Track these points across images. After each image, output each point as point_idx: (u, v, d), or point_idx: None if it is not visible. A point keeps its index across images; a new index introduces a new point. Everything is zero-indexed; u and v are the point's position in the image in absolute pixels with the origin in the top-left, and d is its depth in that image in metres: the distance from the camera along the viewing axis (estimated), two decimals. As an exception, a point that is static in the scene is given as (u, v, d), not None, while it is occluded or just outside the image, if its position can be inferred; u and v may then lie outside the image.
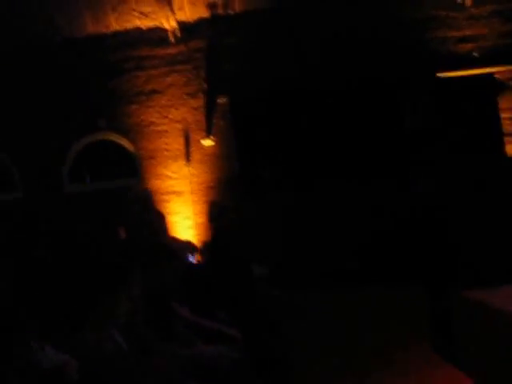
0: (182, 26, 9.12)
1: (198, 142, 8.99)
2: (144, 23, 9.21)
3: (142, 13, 9.07)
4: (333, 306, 6.86)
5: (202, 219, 8.84)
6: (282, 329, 4.92)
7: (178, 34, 9.15)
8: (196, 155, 9.00)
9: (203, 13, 9.10)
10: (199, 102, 9.03)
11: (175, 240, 8.44)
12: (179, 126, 9.01)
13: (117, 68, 9.20)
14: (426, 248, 5.73)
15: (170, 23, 9.06)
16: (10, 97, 9.29)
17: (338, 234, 8.67)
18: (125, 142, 9.20)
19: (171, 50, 9.18)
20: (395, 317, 6.16)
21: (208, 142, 8.93)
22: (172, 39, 9.14)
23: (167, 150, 9.01)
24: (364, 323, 6.34)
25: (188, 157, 8.96)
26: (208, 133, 8.97)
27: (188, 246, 8.03)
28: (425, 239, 5.76)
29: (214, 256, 5.64)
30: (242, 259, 5.71)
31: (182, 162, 8.97)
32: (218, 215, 8.65)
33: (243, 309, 4.85)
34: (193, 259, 7.99)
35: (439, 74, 8.91)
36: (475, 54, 8.86)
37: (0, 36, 9.24)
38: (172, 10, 8.95)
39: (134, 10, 9.06)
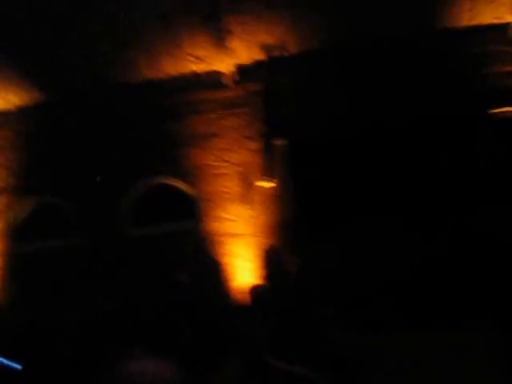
0: (238, 68, 9.93)
1: (257, 184, 9.79)
2: (200, 67, 10.05)
3: (197, 57, 9.91)
4: (407, 349, 7.46)
5: (261, 262, 9.61)
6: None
7: (235, 77, 9.98)
8: (255, 197, 9.76)
9: (259, 55, 9.89)
10: (257, 144, 9.80)
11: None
12: (238, 168, 9.78)
13: (174, 112, 10.01)
14: (493, 278, 6.32)
15: (225, 66, 9.89)
16: (70, 142, 10.27)
17: (398, 272, 9.33)
18: (183, 186, 9.99)
19: (228, 94, 9.99)
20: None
21: (266, 184, 9.68)
22: (228, 82, 9.98)
23: (226, 193, 9.78)
24: (438, 365, 6.90)
25: (247, 199, 9.75)
26: (266, 175, 9.74)
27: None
28: (492, 269, 6.35)
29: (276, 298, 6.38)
30: (304, 301, 6.45)
31: (241, 205, 9.76)
32: (276, 257, 9.42)
33: (313, 352, 5.53)
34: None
35: (495, 110, 9.58)
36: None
37: (57, 82, 10.28)
38: (227, 54, 9.83)
39: (189, 54, 9.89)
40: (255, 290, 7.71)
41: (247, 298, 8.52)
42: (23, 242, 10.24)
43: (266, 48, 9.60)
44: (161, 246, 9.49)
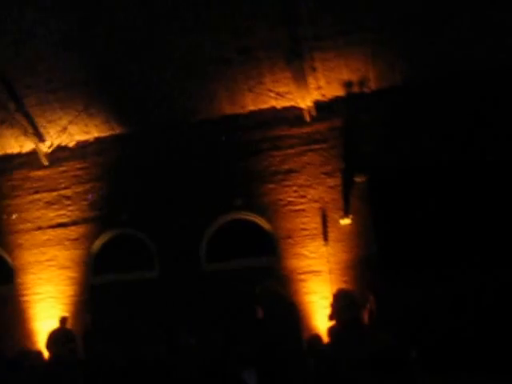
0: (318, 104, 10.86)
1: (335, 220, 10.56)
2: (279, 103, 11.00)
3: (278, 93, 10.90)
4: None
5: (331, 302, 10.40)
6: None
7: (314, 113, 10.89)
8: (333, 234, 10.58)
9: (339, 91, 10.74)
10: (336, 180, 10.65)
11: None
12: (316, 205, 10.65)
13: (253, 147, 10.99)
14: None
15: (305, 102, 10.79)
16: (150, 175, 11.41)
17: (483, 313, 9.95)
18: (261, 221, 10.93)
19: (307, 129, 10.89)
20: None
21: (345, 221, 10.54)
22: (308, 118, 10.89)
23: (304, 229, 10.65)
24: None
25: (325, 236, 10.58)
26: (345, 211, 10.57)
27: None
28: None
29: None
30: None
31: (319, 241, 10.55)
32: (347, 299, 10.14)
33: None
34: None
35: None
36: None
37: (138, 116, 11.44)
38: (308, 90, 10.76)
39: (270, 90, 10.88)
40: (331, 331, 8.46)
41: (325, 337, 9.31)
42: (100, 272, 11.38)
43: (346, 84, 10.49)
44: (237, 281, 10.42)
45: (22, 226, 11.75)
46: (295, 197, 10.28)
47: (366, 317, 9.30)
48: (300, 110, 10.44)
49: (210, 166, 10.58)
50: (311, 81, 10.19)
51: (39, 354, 9.14)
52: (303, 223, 10.18)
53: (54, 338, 10.49)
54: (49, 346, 10.55)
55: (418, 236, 10.12)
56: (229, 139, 10.61)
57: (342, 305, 9.44)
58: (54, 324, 10.74)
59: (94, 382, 6.25)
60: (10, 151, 11.94)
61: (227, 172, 10.53)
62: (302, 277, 10.12)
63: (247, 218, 10.55)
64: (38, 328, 11.42)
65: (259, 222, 10.45)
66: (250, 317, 9.51)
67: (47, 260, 11.54)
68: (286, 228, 10.23)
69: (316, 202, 10.19)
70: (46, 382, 6.46)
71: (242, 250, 10.49)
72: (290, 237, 10.19)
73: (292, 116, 10.50)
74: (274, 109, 10.58)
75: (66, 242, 11.39)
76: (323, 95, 10.39)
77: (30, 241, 11.69)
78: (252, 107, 10.62)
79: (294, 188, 10.28)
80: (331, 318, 9.43)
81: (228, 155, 10.57)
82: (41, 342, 10.90)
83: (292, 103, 10.47)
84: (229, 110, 10.67)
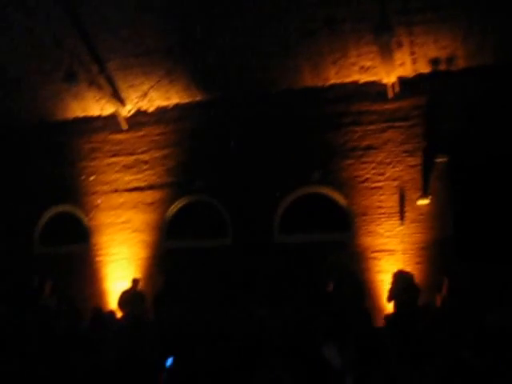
0: (402, 81, 11.89)
1: (413, 200, 11.64)
2: (362, 77, 12.08)
3: (362, 67, 11.97)
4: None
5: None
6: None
7: (397, 90, 11.95)
8: (409, 214, 11.69)
9: (425, 68, 11.74)
10: (416, 160, 11.69)
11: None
12: (394, 183, 11.76)
13: (333, 122, 12.15)
14: None
15: (389, 78, 11.81)
16: (225, 146, 12.72)
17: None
18: (337, 197, 12.20)
19: (389, 106, 11.92)
20: None
21: (423, 202, 11.65)
22: (391, 94, 11.94)
23: (380, 208, 11.81)
24: None
25: (401, 215, 11.74)
26: (424, 192, 11.66)
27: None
28: None
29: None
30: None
31: (394, 221, 11.71)
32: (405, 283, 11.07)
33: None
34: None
35: None
36: None
37: (221, 84, 12.80)
38: (393, 65, 11.81)
39: (354, 64, 11.97)
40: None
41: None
42: (174, 237, 13.02)
43: (433, 62, 11.47)
44: (310, 254, 11.79)
45: (98, 188, 13.43)
46: (373, 174, 11.38)
47: (438, 300, 10.44)
48: (383, 85, 11.38)
49: (289, 138, 11.73)
50: (397, 56, 11.03)
51: (112, 313, 10.73)
52: (380, 201, 11.31)
53: (126, 299, 12.21)
54: (121, 306, 12.28)
55: (496, 225, 10.80)
56: (309, 112, 11.78)
57: (400, 287, 10.58)
58: (126, 285, 12.41)
59: (166, 343, 6.86)
60: (90, 113, 13.54)
61: (306, 145, 11.64)
62: (375, 255, 11.27)
63: (323, 192, 11.74)
64: (111, 288, 13.11)
65: (335, 197, 11.64)
66: (321, 290, 10.83)
67: (122, 222, 13.20)
68: (361, 205, 11.39)
69: (394, 180, 11.27)
70: (119, 340, 7.66)
71: (315, 224, 11.75)
72: (365, 214, 11.35)
73: (375, 91, 11.48)
74: (356, 83, 11.60)
75: (142, 206, 12.99)
76: (408, 72, 11.27)
77: (106, 203, 13.36)
78: (335, 80, 11.70)
79: (373, 165, 11.38)
80: (389, 299, 10.68)
81: (307, 128, 11.66)
82: (112, 302, 12.61)
83: (376, 78, 11.44)
84: (311, 82, 11.79)
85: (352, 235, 11.17)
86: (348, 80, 11.42)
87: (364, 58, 11.10)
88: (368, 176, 11.14)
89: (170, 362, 4.93)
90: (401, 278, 9.96)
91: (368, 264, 11.02)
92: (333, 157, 11.38)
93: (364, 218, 11.12)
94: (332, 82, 11.51)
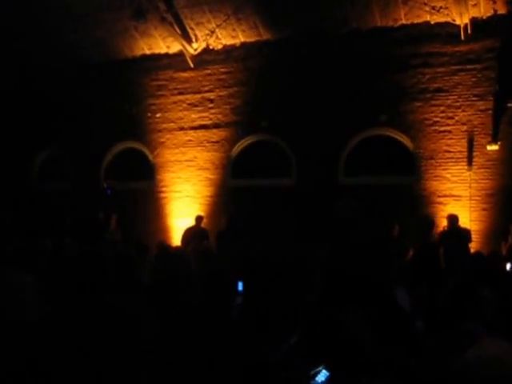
0: (475, 22, 11.78)
1: (482, 146, 11.73)
2: (434, 18, 12.03)
3: (433, 7, 11.93)
4: None
5: (478, 226, 11.85)
6: None
7: (470, 31, 11.86)
8: (478, 159, 11.79)
9: (500, 9, 11.65)
10: (487, 104, 11.69)
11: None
12: (463, 127, 11.83)
13: (402, 63, 12.15)
14: None
15: (462, 19, 11.74)
16: (292, 86, 13.00)
17: None
18: (404, 140, 12.34)
19: (461, 48, 11.85)
20: None
21: (493, 147, 11.72)
22: (463, 36, 11.83)
23: (448, 152, 11.95)
24: None
25: (470, 160, 11.85)
26: (493, 137, 11.73)
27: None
28: None
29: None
30: None
31: (462, 166, 11.84)
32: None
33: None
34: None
35: None
36: None
37: (287, 22, 12.94)
38: (466, 6, 11.73)
39: (425, 4, 11.90)
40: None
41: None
42: (238, 176, 13.46)
43: (508, 1, 11.35)
44: (374, 197, 12.06)
45: (164, 126, 13.89)
46: (442, 117, 11.48)
47: (504, 249, 10.61)
48: (455, 26, 11.32)
49: (356, 79, 11.83)
50: (471, -4, 10.99)
51: (177, 248, 11.26)
52: (448, 145, 11.45)
53: (190, 236, 12.77)
54: (184, 242, 12.87)
55: None
56: (378, 53, 11.85)
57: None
58: (190, 222, 12.97)
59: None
60: (157, 51, 13.88)
61: (373, 86, 11.74)
62: (441, 200, 11.47)
63: (390, 134, 11.94)
64: (174, 225, 13.73)
65: (402, 139, 11.82)
66: (387, 234, 11.11)
67: (187, 160, 13.69)
68: (429, 148, 11.55)
69: (463, 124, 11.36)
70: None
71: (381, 166, 11.99)
72: (432, 158, 11.51)
73: (446, 33, 11.44)
74: (427, 24, 11.57)
75: (207, 144, 13.42)
76: (481, 12, 11.17)
77: (171, 140, 13.84)
78: (405, 21, 11.70)
79: (442, 108, 11.47)
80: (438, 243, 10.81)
81: (375, 69, 11.74)
82: (176, 238, 13.21)
83: (447, 19, 11.38)
84: (380, 22, 11.83)
85: (418, 179, 11.37)
86: (418, 21, 11.42)
87: (436, -3, 10.95)
88: (436, 119, 11.24)
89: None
90: (450, 221, 10.15)
91: (434, 208, 11.24)
92: (401, 99, 11.48)
93: (431, 161, 11.28)
94: (402, 22, 11.51)
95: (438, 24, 11.24)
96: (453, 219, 9.94)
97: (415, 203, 11.28)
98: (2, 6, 12.28)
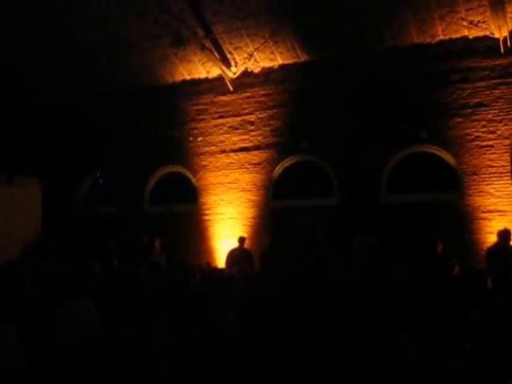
0: (515, 35, 11.84)
1: (527, 158, 11.76)
2: (472, 32, 12.05)
3: (471, 22, 12.00)
4: None
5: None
6: None
7: (509, 44, 11.84)
8: (523, 173, 11.79)
9: (541, 20, 11.73)
10: (530, 116, 11.76)
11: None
12: (506, 141, 11.66)
13: (441, 79, 12.20)
14: None
15: (501, 32, 11.72)
16: (330, 106, 13.17)
17: None
18: (446, 156, 12.32)
19: (501, 61, 11.71)
20: None
21: (538, 160, 11.66)
22: (502, 49, 11.76)
23: (491, 167, 11.86)
24: None
25: (514, 174, 11.81)
26: (538, 150, 11.70)
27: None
28: None
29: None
30: None
31: (506, 180, 11.62)
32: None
33: None
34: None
35: None
36: None
37: (325, 45, 13.18)
38: (505, 19, 11.75)
39: (463, 19, 11.99)
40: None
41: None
42: (280, 197, 13.65)
43: (549, 12, 11.31)
44: (417, 215, 12.10)
45: (206, 149, 14.23)
46: (483, 132, 11.49)
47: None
48: (494, 40, 11.35)
49: (395, 96, 11.97)
50: (509, 9, 11.04)
51: (222, 270, 11.45)
52: (490, 160, 11.42)
53: (234, 257, 12.99)
54: (229, 263, 13.08)
55: None
56: (416, 69, 11.97)
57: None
58: (233, 244, 13.19)
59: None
60: (197, 76, 14.28)
61: (413, 103, 11.86)
62: (486, 215, 11.42)
63: (431, 151, 11.99)
64: (218, 246, 13.97)
65: (443, 156, 11.85)
66: (429, 252, 11.08)
67: (229, 182, 13.96)
68: (471, 164, 11.55)
69: (506, 138, 11.32)
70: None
71: (423, 183, 12.03)
72: (475, 173, 11.50)
73: (485, 47, 11.48)
74: (465, 39, 11.64)
75: (248, 166, 13.68)
76: (521, 25, 11.19)
77: (213, 163, 14.15)
78: (442, 37, 11.79)
79: (483, 123, 11.48)
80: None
81: (414, 86, 11.86)
82: (220, 259, 13.42)
83: (486, 33, 11.43)
84: (417, 39, 11.94)
85: (461, 195, 11.38)
86: (456, 36, 11.53)
87: (473, 12, 11.18)
88: (478, 134, 11.27)
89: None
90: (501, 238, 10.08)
91: (478, 224, 11.23)
92: (441, 115, 11.56)
93: (474, 177, 11.29)
94: (439, 38, 11.62)
95: (477, 38, 11.32)
96: (505, 235, 9.91)
97: (459, 219, 11.27)
98: (49, 32, 12.82)
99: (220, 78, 13.50)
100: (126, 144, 14.79)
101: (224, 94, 13.60)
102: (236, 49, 12.85)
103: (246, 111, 13.36)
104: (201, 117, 13.95)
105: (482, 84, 11.33)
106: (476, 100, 11.35)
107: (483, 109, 11.31)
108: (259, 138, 13.22)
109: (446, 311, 5.26)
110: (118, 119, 14.70)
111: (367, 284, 5.91)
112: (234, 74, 13.26)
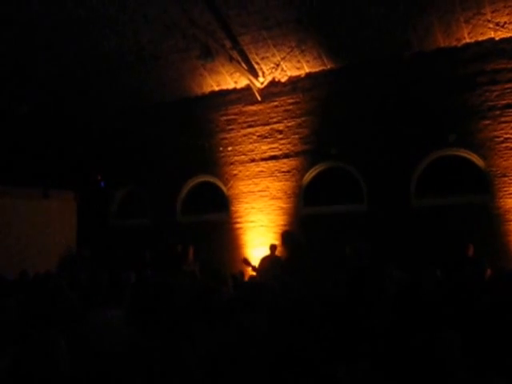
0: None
1: (556, 160, 11.75)
2: (498, 34, 12.04)
3: (497, 23, 12.00)
4: None
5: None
6: None
7: (537, 45, 11.91)
8: (553, 174, 11.79)
9: None
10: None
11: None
12: (536, 142, 11.88)
13: (468, 82, 12.24)
14: None
15: (527, 33, 11.87)
16: (358, 112, 13.28)
17: None
18: (475, 158, 12.29)
19: (529, 62, 11.98)
20: None
21: None
22: (529, 50, 11.95)
23: (521, 167, 11.98)
24: None
25: (543, 176, 11.80)
26: None
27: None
28: None
29: None
30: None
31: (537, 181, 11.86)
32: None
33: None
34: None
35: None
36: None
37: (351, 52, 13.31)
38: (532, 18, 11.73)
39: (489, 21, 12.03)
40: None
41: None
42: (310, 204, 13.79)
43: None
44: (448, 218, 12.13)
45: (236, 158, 14.46)
46: (513, 134, 11.50)
47: None
48: (521, 41, 11.40)
49: (423, 100, 12.05)
50: (536, 9, 11.05)
51: (253, 278, 11.59)
52: (521, 161, 11.43)
53: (266, 264, 13.13)
54: (261, 271, 13.23)
55: None
56: (443, 73, 12.03)
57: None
58: (265, 251, 13.38)
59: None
60: (225, 87, 14.54)
61: (441, 106, 11.91)
62: (518, 219, 11.43)
63: (460, 154, 12.02)
64: (250, 254, 14.15)
65: (473, 158, 11.87)
66: (461, 254, 11.10)
67: (259, 190, 14.16)
68: (501, 166, 11.54)
69: (535, 139, 11.33)
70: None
71: (453, 186, 12.07)
72: (505, 175, 11.50)
73: (511, 47, 11.57)
74: (492, 40, 11.66)
75: (278, 174, 13.87)
76: (549, 24, 11.19)
77: (243, 172, 14.37)
78: (468, 39, 11.84)
79: (512, 124, 11.49)
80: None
81: (442, 90, 11.92)
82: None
83: (512, 34, 11.48)
84: (443, 42, 12.01)
85: (491, 197, 11.41)
86: (483, 38, 11.54)
87: (499, 13, 11.20)
88: (507, 136, 11.30)
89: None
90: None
91: (509, 226, 11.26)
92: (469, 118, 11.60)
93: (504, 179, 11.30)
94: (466, 41, 11.66)
95: (503, 39, 11.36)
96: None
97: (490, 222, 11.29)
98: (78, 48, 13.19)
99: (248, 88, 13.72)
100: (157, 156, 15.11)
101: (252, 103, 13.82)
102: (263, 59, 13.04)
103: (275, 120, 13.54)
104: (230, 127, 14.18)
105: (510, 85, 11.37)
106: (504, 102, 11.37)
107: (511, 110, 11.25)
108: (288, 146, 13.39)
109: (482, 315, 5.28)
110: (149, 132, 15.02)
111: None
112: (262, 83, 13.47)
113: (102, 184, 14.68)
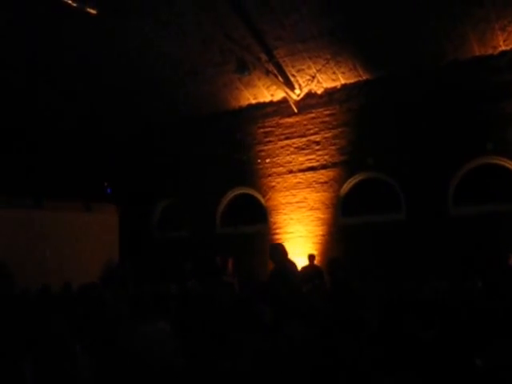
0: None
1: None
2: (535, 41, 12.28)
3: (531, 30, 12.14)
4: None
5: None
6: None
7: None
8: None
9: None
10: None
11: None
12: None
13: (504, 89, 12.13)
14: None
15: None
16: (395, 122, 13.42)
17: None
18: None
19: None
20: None
21: None
22: None
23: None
24: None
25: None
26: None
27: None
28: None
29: None
30: None
31: None
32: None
33: None
34: None
35: None
36: None
37: (386, 63, 13.47)
38: None
39: (524, 28, 12.19)
40: None
41: None
42: (348, 214, 13.97)
43: None
44: (487, 226, 12.18)
45: (274, 170, 14.74)
46: (552, 141, 11.50)
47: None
48: (559, 47, 11.41)
49: (459, 109, 12.13)
50: None
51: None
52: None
53: (305, 274, 13.33)
54: (300, 281, 13.39)
55: None
56: (480, 81, 12.12)
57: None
58: (304, 261, 13.57)
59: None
60: (261, 100, 14.85)
61: (477, 115, 11.96)
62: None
63: (497, 162, 12.06)
64: (289, 264, 14.31)
65: (510, 166, 11.92)
66: (501, 264, 11.14)
67: (297, 202, 14.40)
68: (540, 174, 11.55)
69: None
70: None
71: (492, 195, 12.11)
72: (544, 183, 11.51)
73: (548, 54, 11.55)
74: (527, 48, 11.73)
75: (316, 185, 14.09)
76: None
77: (281, 183, 14.63)
78: (504, 47, 11.89)
79: (551, 132, 11.49)
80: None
81: (479, 98, 11.98)
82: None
83: (549, 40, 11.50)
84: (478, 51, 12.09)
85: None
86: (517, 46, 11.51)
87: (534, 20, 11.14)
88: (545, 143, 11.26)
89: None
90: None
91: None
92: (506, 126, 11.69)
93: (543, 187, 11.25)
94: (501, 49, 11.74)
95: (540, 47, 11.30)
96: None
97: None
98: (114, 65, 13.63)
99: (284, 101, 13.99)
100: (196, 169, 15.48)
101: (289, 115, 14.10)
102: (299, 71, 13.31)
103: (311, 131, 13.79)
104: (267, 139, 14.47)
105: (547, 92, 11.30)
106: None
107: (550, 118, 11.28)
108: (325, 157, 13.61)
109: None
110: (188, 146, 15.44)
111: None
112: (298, 95, 13.73)
113: (109, 191, 15.06)
